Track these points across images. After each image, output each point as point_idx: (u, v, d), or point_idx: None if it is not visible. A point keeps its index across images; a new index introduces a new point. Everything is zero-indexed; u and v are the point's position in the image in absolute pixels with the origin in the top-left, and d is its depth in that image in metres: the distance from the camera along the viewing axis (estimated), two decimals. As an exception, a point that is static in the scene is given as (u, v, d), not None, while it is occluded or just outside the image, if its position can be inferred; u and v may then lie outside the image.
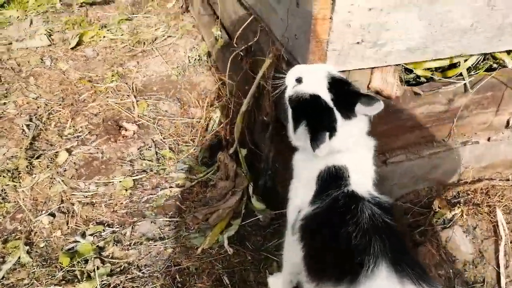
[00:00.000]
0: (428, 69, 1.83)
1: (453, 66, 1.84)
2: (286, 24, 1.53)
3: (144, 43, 3.24)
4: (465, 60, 1.84)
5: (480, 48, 1.63)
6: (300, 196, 1.32)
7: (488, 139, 2.03)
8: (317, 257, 1.18)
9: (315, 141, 1.14)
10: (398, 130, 1.79)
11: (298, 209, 1.31)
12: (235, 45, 2.03)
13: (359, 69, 1.53)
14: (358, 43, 1.42)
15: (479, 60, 1.89)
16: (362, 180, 1.25)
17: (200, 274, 1.68)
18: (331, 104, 1.22)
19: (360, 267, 1.02)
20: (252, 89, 1.75)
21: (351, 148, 1.26)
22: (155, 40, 3.29)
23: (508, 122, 2.01)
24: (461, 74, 1.79)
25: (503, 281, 1.78)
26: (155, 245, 1.77)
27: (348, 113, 1.23)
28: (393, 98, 1.65)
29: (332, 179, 1.22)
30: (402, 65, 1.62)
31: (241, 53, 1.90)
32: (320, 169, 1.24)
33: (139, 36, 3.33)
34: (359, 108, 1.22)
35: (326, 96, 1.22)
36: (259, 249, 1.78)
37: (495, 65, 1.84)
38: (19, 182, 2.05)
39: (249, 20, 1.98)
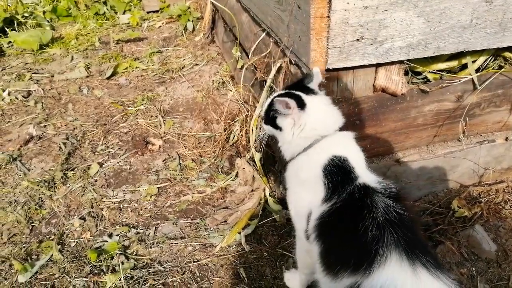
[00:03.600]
0: (438, 71, 1.90)
1: (463, 68, 1.90)
2: (291, 28, 1.66)
3: (172, 71, 3.47)
4: (474, 61, 1.90)
5: (483, 44, 1.68)
6: (307, 199, 1.35)
7: (506, 139, 2.02)
8: (336, 252, 1.21)
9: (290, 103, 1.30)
10: (408, 127, 1.83)
11: (307, 213, 1.34)
12: (250, 59, 2.17)
13: (362, 66, 1.62)
14: (357, 40, 1.52)
15: (489, 61, 1.94)
16: (364, 169, 1.31)
17: (219, 270, 1.74)
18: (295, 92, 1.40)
19: (374, 256, 1.06)
20: (263, 93, 1.87)
21: (333, 130, 1.36)
22: (182, 68, 3.52)
23: (524, 121, 2.01)
24: (470, 75, 1.84)
25: (528, 278, 1.73)
26: (176, 243, 1.86)
27: (307, 90, 1.41)
28: (399, 95, 1.72)
29: (341, 172, 1.27)
30: (407, 64, 1.69)
31: (254, 64, 2.04)
32: (324, 164, 1.29)
33: (168, 66, 3.58)
34: (311, 85, 1.42)
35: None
36: (275, 246, 1.82)
37: (506, 66, 1.88)
38: (55, 192, 2.22)
39: (262, 36, 2.13)
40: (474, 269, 1.78)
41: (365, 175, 1.28)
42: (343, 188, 1.24)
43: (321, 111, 1.38)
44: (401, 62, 1.68)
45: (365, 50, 1.54)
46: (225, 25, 3.32)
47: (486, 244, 1.83)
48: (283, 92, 1.46)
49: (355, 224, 1.14)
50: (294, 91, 1.40)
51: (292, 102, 1.31)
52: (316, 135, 1.36)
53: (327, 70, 1.56)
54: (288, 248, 1.82)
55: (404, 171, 1.92)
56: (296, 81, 1.52)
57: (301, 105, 1.34)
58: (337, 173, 1.27)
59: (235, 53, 2.67)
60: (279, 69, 1.84)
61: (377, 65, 1.67)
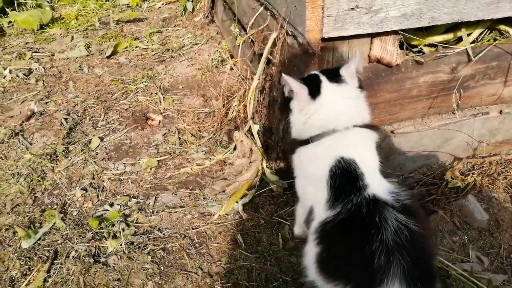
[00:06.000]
0: (434, 45, 1.92)
1: (459, 41, 1.92)
2: (289, -2, 1.68)
3: (172, 50, 3.49)
4: (469, 34, 1.92)
5: (477, 15, 1.70)
6: (312, 193, 1.33)
7: (500, 112, 2.05)
8: (336, 265, 1.16)
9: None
10: (403, 98, 1.86)
11: (310, 205, 1.33)
12: (248, 33, 2.19)
13: (357, 36, 1.64)
14: (352, 9, 1.53)
15: (484, 34, 1.96)
16: (373, 173, 1.24)
17: (217, 236, 1.79)
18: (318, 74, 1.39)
19: (378, 286, 1.02)
20: (260, 64, 1.89)
21: (346, 125, 1.31)
22: (182, 47, 3.53)
23: (518, 93, 2.03)
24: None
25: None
26: (176, 212, 1.91)
27: (335, 78, 1.36)
28: (394, 65, 1.74)
29: (347, 178, 1.21)
30: (401, 34, 1.71)
31: (252, 39, 2.06)
32: (331, 165, 1.24)
33: (168, 45, 3.59)
34: (343, 71, 1.36)
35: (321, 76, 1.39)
36: (272, 215, 1.87)
37: (501, 38, 1.90)
38: (57, 164, 2.26)
39: (260, 10, 2.15)
40: (466, 237, 1.83)
41: (377, 184, 1.20)
42: (348, 196, 1.17)
43: (335, 103, 1.33)
44: (396, 33, 1.70)
45: (360, 19, 1.56)
46: (224, 3, 3.32)
47: (478, 213, 1.88)
48: (310, 73, 1.44)
49: (361, 245, 1.07)
50: (319, 75, 1.37)
51: (301, 90, 1.30)
52: (323, 127, 1.32)
53: (323, 39, 1.58)
54: (285, 216, 1.87)
55: (399, 143, 1.95)
56: (335, 66, 1.46)
57: (314, 92, 1.31)
58: (342, 178, 1.22)
59: (233, 29, 2.69)
60: (276, 41, 1.86)
61: (372, 36, 1.69)
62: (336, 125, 1.31)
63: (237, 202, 1.91)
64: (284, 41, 1.80)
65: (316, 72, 1.42)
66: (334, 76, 1.37)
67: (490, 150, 2.15)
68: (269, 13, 2.03)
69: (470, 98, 1.98)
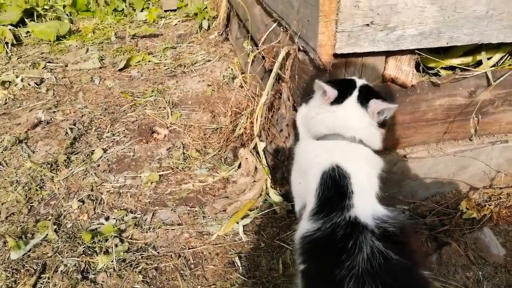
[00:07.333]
0: (451, 68, 1.83)
1: (478, 65, 1.83)
2: (300, 13, 1.62)
3: (184, 66, 3.47)
4: (489, 58, 1.83)
5: (499, 37, 1.61)
6: (302, 188, 1.31)
7: (520, 142, 1.94)
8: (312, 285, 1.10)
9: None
10: (417, 121, 1.77)
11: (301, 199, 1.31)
12: (260, 48, 2.14)
13: (371, 54, 1.57)
14: (367, 25, 1.47)
15: (505, 59, 1.87)
16: (365, 194, 1.17)
17: (214, 258, 1.69)
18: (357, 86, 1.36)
19: None
20: (270, 79, 1.83)
21: (355, 137, 1.28)
22: (195, 63, 3.51)
23: (540, 123, 1.92)
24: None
25: (539, 285, 1.63)
26: (173, 229, 1.82)
27: (363, 100, 1.32)
28: (409, 86, 1.66)
29: (335, 193, 1.15)
30: (417, 54, 1.63)
31: (263, 55, 2.00)
32: (325, 169, 1.20)
33: (181, 61, 3.58)
34: (373, 102, 1.30)
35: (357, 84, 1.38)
36: (273, 238, 1.77)
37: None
38: (57, 174, 2.20)
39: (273, 26, 2.10)
40: (480, 273, 1.70)
41: (364, 206, 1.11)
42: (330, 214, 1.10)
43: (349, 114, 1.31)
44: (412, 52, 1.63)
45: (375, 36, 1.49)
46: (239, 21, 3.30)
47: (495, 248, 1.75)
48: (348, 78, 1.48)
49: (331, 269, 1.00)
50: (356, 87, 1.36)
51: (331, 91, 1.30)
52: (330, 128, 1.31)
53: (335, 55, 1.51)
54: (287, 240, 1.76)
55: (412, 168, 1.85)
56: (375, 90, 1.45)
57: (339, 98, 1.32)
58: (330, 191, 1.16)
59: (246, 46, 2.65)
60: (287, 57, 1.80)
61: (387, 54, 1.62)
62: (343, 132, 1.30)
63: (237, 223, 1.81)
64: (295, 57, 1.74)
65: (355, 80, 1.40)
66: (365, 98, 1.33)
67: (509, 181, 2.02)
68: (282, 29, 1.98)
69: (488, 124, 1.88)
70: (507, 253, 1.73)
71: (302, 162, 1.40)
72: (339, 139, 1.30)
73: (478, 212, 1.83)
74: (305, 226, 1.16)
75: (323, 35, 1.47)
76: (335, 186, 1.17)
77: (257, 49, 2.27)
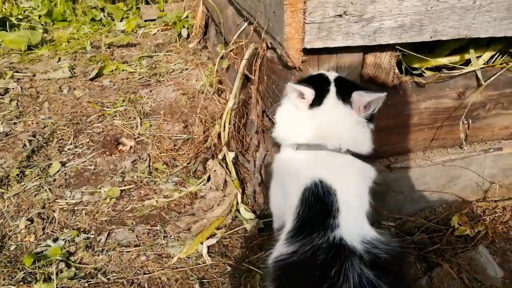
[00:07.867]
0: (437, 69, 1.67)
1: (467, 65, 1.66)
2: (267, 5, 1.45)
3: (160, 75, 3.28)
4: (478, 57, 1.67)
5: (488, 31, 1.45)
6: (281, 205, 1.17)
7: (515, 149, 1.76)
8: None
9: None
10: (401, 126, 1.59)
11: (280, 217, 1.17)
12: (228, 48, 1.97)
13: (347, 50, 1.39)
14: (340, 15, 1.29)
15: (496, 58, 1.70)
16: (353, 213, 1.00)
17: (172, 285, 1.47)
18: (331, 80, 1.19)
19: None
20: (236, 81, 1.64)
21: (341, 148, 1.10)
22: (171, 72, 3.33)
23: (537, 127, 1.75)
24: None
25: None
26: (128, 251, 1.60)
27: (344, 95, 1.14)
28: (389, 86, 1.48)
29: (318, 210, 0.98)
30: (398, 50, 1.45)
31: (232, 53, 1.83)
32: (306, 185, 1.02)
33: (157, 70, 3.40)
34: (356, 94, 1.12)
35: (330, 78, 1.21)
36: (242, 261, 1.56)
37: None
38: (7, 190, 1.99)
39: (244, 25, 1.93)
40: (476, 297, 1.50)
41: (352, 226, 0.95)
42: (311, 235, 0.93)
43: (331, 118, 1.13)
44: (392, 48, 1.45)
45: (349, 28, 1.31)
46: (216, 27, 3.14)
47: (491, 269, 1.55)
48: (319, 73, 1.29)
49: None
50: (330, 83, 1.18)
51: (308, 92, 1.12)
52: (311, 136, 1.13)
53: (305, 50, 1.33)
54: (257, 263, 1.55)
55: (396, 179, 1.66)
56: (352, 81, 1.29)
57: (317, 99, 1.14)
58: (312, 210, 0.98)
59: (220, 50, 2.47)
60: (256, 56, 1.62)
61: (365, 51, 1.44)
62: (326, 143, 1.11)
63: (202, 243, 1.60)
64: (264, 55, 1.56)
65: (326, 74, 1.23)
66: (345, 92, 1.15)
67: (504, 193, 1.84)
68: (252, 27, 1.80)
69: (480, 130, 1.70)
70: (505, 274, 1.54)
71: (281, 176, 1.23)
72: (323, 150, 1.11)
73: (472, 228, 1.63)
74: (280, 248, 0.98)
75: (290, 26, 1.29)
76: (318, 203, 0.99)
77: (225, 49, 2.09)
